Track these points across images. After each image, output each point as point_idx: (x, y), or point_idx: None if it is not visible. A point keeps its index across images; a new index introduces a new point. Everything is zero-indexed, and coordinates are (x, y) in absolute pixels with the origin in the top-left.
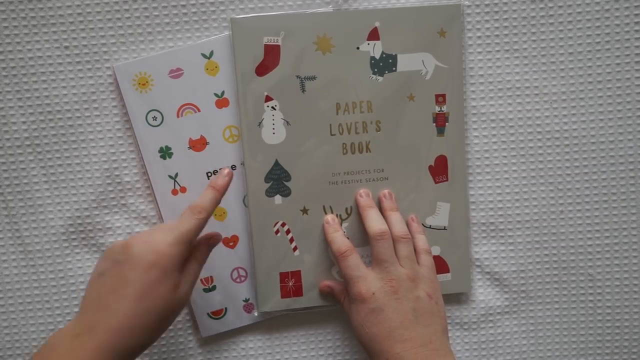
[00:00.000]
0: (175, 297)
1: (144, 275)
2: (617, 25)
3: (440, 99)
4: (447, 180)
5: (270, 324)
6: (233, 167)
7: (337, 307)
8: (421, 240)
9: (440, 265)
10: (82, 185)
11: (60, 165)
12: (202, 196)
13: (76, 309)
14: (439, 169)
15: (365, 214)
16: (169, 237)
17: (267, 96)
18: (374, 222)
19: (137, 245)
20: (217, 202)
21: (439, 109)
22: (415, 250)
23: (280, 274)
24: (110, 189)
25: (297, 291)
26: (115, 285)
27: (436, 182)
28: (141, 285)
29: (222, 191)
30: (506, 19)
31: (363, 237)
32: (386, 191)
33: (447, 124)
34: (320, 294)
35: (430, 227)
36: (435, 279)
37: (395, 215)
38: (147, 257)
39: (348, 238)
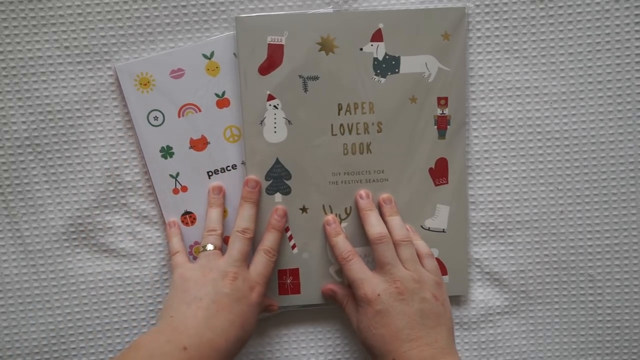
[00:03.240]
0: (255, 326)
1: (247, 309)
2: (617, 25)
3: (442, 101)
4: (447, 183)
5: (268, 321)
6: (234, 167)
7: (336, 306)
8: (422, 245)
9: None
10: (82, 185)
11: (60, 165)
12: (269, 239)
13: (77, 309)
14: (440, 172)
15: (365, 217)
16: (261, 279)
17: (269, 95)
18: (374, 227)
19: (237, 282)
20: (281, 240)
21: (441, 112)
22: (417, 256)
23: (279, 271)
24: (111, 188)
25: (295, 289)
26: (222, 312)
27: (436, 185)
28: (245, 317)
29: (283, 230)
30: (506, 19)
31: (363, 237)
32: (385, 195)
33: (448, 127)
34: (321, 295)
35: (429, 229)
36: (441, 281)
37: (395, 220)
38: (247, 294)
39: (347, 238)
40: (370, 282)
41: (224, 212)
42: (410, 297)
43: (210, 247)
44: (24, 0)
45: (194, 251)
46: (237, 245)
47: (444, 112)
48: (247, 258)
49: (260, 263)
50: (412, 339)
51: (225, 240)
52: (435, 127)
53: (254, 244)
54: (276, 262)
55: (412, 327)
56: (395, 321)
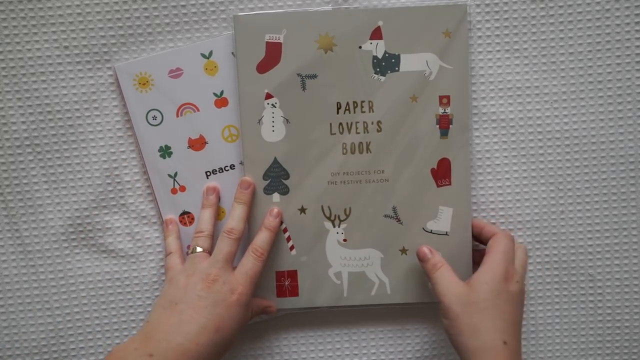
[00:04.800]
0: (236, 330)
1: (225, 312)
2: (617, 25)
3: (445, 100)
4: (449, 184)
5: (265, 324)
6: (232, 167)
7: (334, 309)
8: None
9: None
10: (81, 185)
11: (60, 165)
12: (259, 238)
13: (76, 309)
14: (442, 173)
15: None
16: (245, 280)
17: (267, 93)
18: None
19: (216, 284)
20: (273, 241)
21: (443, 111)
22: None
23: (277, 272)
24: (110, 188)
25: (293, 291)
26: (195, 316)
27: (438, 186)
28: (221, 320)
29: (276, 231)
30: (507, 19)
31: (362, 239)
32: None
33: (451, 126)
34: (320, 298)
35: (431, 232)
36: None
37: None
38: (226, 296)
39: (345, 240)
40: None
41: (222, 213)
42: None
43: (198, 249)
44: (23, 0)
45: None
46: (221, 246)
47: (446, 110)
48: (232, 259)
49: (247, 263)
50: None
51: None
52: (437, 126)
53: (245, 245)
54: (266, 263)
55: None
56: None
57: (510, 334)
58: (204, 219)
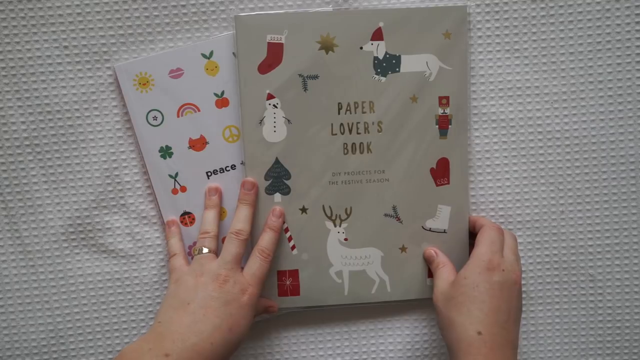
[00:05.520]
0: (247, 329)
1: (237, 312)
2: (617, 25)
3: (444, 101)
4: (448, 183)
5: (267, 323)
6: (233, 167)
7: (335, 307)
8: None
9: None
10: (82, 185)
11: (60, 165)
12: (264, 239)
13: (76, 309)
14: (441, 172)
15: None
16: (254, 280)
17: (268, 94)
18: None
19: (227, 285)
20: (277, 241)
21: (442, 111)
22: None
23: (278, 272)
24: (110, 188)
25: (295, 290)
26: (208, 315)
27: (437, 185)
28: (233, 320)
29: (280, 230)
30: (507, 19)
31: (363, 238)
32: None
33: (450, 126)
34: (321, 297)
35: (430, 229)
36: None
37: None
38: (237, 297)
39: (346, 240)
40: None
41: (223, 213)
42: None
43: (205, 250)
44: (23, 0)
45: (193, 251)
46: (230, 247)
47: (446, 111)
48: (241, 260)
49: (254, 264)
50: None
51: (222, 241)
52: (437, 126)
53: (250, 245)
54: (271, 263)
55: None
56: None
57: (488, 323)
58: (209, 219)
